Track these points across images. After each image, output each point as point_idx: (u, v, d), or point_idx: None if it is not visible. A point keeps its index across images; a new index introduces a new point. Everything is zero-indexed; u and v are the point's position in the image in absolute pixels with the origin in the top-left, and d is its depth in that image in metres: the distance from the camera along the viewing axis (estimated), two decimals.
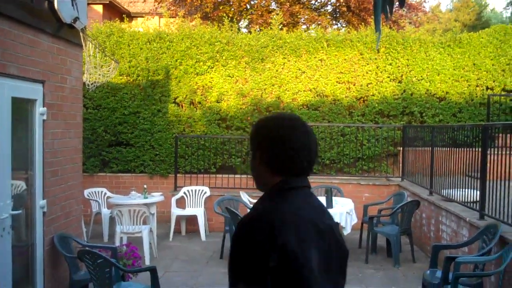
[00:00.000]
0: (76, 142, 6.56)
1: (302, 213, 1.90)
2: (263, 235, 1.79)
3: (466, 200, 7.14)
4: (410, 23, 19.12)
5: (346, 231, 7.99)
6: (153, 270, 5.67)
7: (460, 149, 7.61)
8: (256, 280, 1.80)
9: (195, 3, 16.77)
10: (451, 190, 7.78)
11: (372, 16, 3.06)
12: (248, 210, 8.84)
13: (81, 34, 6.43)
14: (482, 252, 5.57)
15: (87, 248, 5.56)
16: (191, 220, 10.20)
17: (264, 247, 1.77)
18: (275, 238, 1.77)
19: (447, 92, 11.77)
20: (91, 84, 8.02)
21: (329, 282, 1.89)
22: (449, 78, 11.78)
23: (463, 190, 7.33)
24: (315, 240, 1.87)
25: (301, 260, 1.78)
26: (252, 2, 17.35)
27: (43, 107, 5.63)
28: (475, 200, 6.87)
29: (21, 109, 5.40)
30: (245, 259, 1.83)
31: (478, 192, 6.65)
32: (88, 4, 12.84)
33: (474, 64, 11.83)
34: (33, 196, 5.56)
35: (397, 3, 2.85)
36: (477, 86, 11.82)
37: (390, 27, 13.92)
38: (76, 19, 6.11)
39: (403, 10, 18.36)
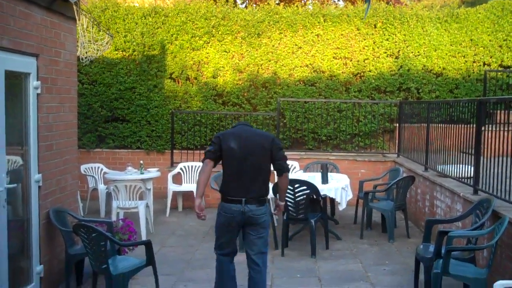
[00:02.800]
0: (71, 116, 6.53)
1: (232, 131, 5.22)
2: (217, 137, 5.16)
3: (460, 175, 7.17)
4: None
5: (342, 207, 8.04)
6: (148, 244, 5.72)
7: (455, 125, 7.62)
8: (212, 147, 5.14)
9: None
10: (446, 166, 7.81)
11: None
12: None
13: (74, 7, 6.37)
14: (475, 227, 5.61)
15: (82, 223, 5.58)
16: (188, 196, 10.24)
17: (216, 140, 5.14)
18: (219, 137, 5.15)
19: (444, 68, 11.74)
20: (86, 58, 7.98)
21: (246, 164, 5.04)
22: (446, 53, 11.74)
23: (458, 166, 7.35)
24: (232, 138, 5.07)
25: (220, 141, 5.10)
26: None
27: (37, 80, 5.60)
28: (469, 176, 6.90)
29: (14, 83, 5.36)
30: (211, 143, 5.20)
31: (473, 168, 6.68)
32: None
33: (471, 40, 11.77)
34: (28, 170, 5.55)
35: None
36: (474, 62, 11.78)
37: (387, 2, 13.84)
38: None
39: None
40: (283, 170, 5.24)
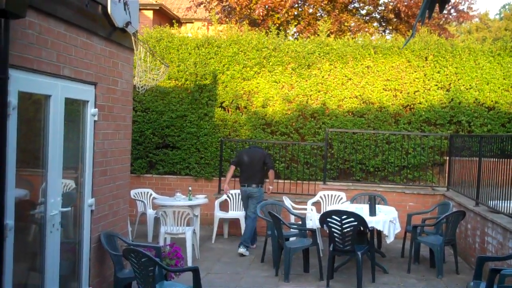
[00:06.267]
0: (126, 143, 6.75)
1: (244, 151, 9.87)
2: (237, 154, 9.94)
3: None
4: (457, 29, 18.70)
5: (389, 239, 7.96)
6: (195, 271, 5.75)
7: (508, 160, 7.46)
8: (235, 158, 9.80)
9: (244, 12, 16.96)
10: (498, 201, 7.63)
11: (420, 23, 3.15)
12: (291, 215, 9.00)
13: (132, 38, 6.62)
14: None
15: (132, 247, 5.70)
16: (234, 223, 10.33)
17: (237, 155, 9.91)
18: (238, 154, 9.85)
19: (496, 102, 11.53)
20: (141, 87, 8.24)
21: (251, 166, 9.39)
22: (499, 87, 11.54)
23: (510, 202, 7.18)
24: (245, 154, 9.54)
25: (238, 156, 9.69)
26: (300, 9, 17.41)
27: (95, 108, 5.83)
28: None
29: (73, 109, 5.57)
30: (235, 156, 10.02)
31: None
32: (139, 10, 13.17)
33: None
34: (82, 195, 5.74)
35: (438, 7, 2.89)
36: None
37: (439, 35, 13.74)
38: (128, 23, 6.30)
39: (447, 15, 17.99)
40: (270, 168, 9.58)
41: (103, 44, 5.93)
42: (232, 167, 9.56)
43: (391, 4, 17.45)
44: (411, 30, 16.27)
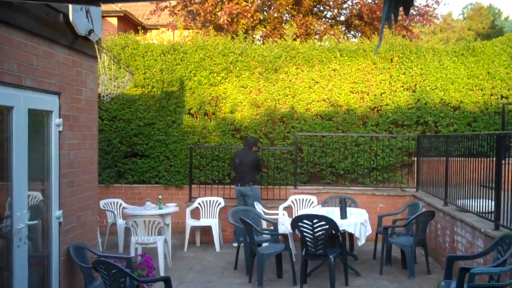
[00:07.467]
0: (92, 153, 6.63)
1: (236, 154, 10.44)
2: (232, 157, 10.57)
3: (481, 210, 7.09)
4: (420, 30, 18.97)
5: (361, 242, 7.98)
6: (167, 281, 5.69)
7: (474, 159, 7.57)
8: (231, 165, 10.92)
9: (209, 18, 16.90)
10: (466, 200, 7.74)
11: (386, 27, 3.15)
12: (263, 221, 8.93)
13: (96, 46, 6.51)
14: (497, 263, 5.53)
15: (102, 259, 5.60)
16: (206, 231, 10.24)
17: (233, 158, 10.50)
18: (232, 157, 10.52)
19: (461, 101, 11.72)
20: (106, 95, 8.12)
21: (242, 167, 10.09)
22: (463, 87, 11.74)
23: (478, 200, 7.28)
24: (237, 157, 10.19)
25: (232, 157, 10.50)
26: (265, 13, 17.43)
27: (59, 118, 5.70)
28: (490, 210, 6.83)
29: (37, 120, 5.45)
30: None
31: (493, 202, 6.61)
32: (103, 16, 12.99)
33: (488, 73, 11.78)
34: (50, 207, 5.61)
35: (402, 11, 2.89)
36: (491, 95, 11.75)
37: (404, 36, 13.91)
38: (91, 31, 6.19)
39: (412, 16, 18.25)
40: (259, 171, 10.54)
41: (65, 53, 5.82)
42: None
43: (356, 8, 17.62)
44: (376, 33, 16.46)
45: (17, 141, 4.88)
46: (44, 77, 5.33)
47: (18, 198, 4.93)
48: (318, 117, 11.82)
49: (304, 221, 7.35)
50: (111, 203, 10.23)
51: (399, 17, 3.65)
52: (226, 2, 16.46)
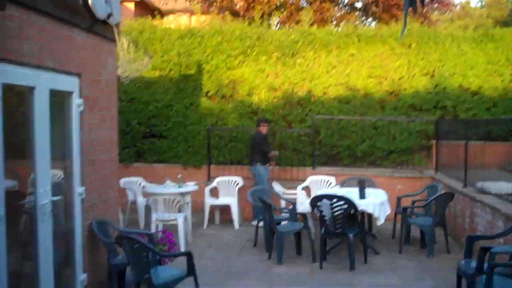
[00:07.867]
0: (112, 132, 6.70)
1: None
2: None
3: (501, 192, 7.11)
4: (438, 18, 18.90)
5: (380, 222, 8.01)
6: (189, 255, 5.74)
7: (494, 142, 7.57)
8: None
9: (225, 4, 16.91)
10: (486, 183, 7.75)
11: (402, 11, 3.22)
12: (281, 200, 8.98)
13: (114, 29, 6.58)
14: None
15: (124, 234, 5.66)
16: (225, 210, 10.31)
17: None
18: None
19: (480, 87, 11.69)
20: (125, 78, 8.20)
21: (250, 148, 10.42)
22: (482, 72, 11.71)
23: (498, 183, 7.29)
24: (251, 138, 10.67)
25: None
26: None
27: (80, 98, 5.78)
28: (510, 193, 6.84)
29: (59, 101, 5.52)
30: None
31: None
32: (120, 1, 13.05)
33: (507, 59, 11.75)
34: (72, 184, 5.70)
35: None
36: (511, 81, 11.71)
37: (422, 23, 13.87)
38: (109, 15, 6.24)
39: (427, 6, 18.14)
40: (263, 151, 10.14)
41: (85, 36, 5.87)
42: None
43: None
44: (395, 18, 16.36)
45: (39, 120, 4.95)
46: (64, 59, 5.40)
47: (42, 175, 5.03)
48: (336, 100, 11.83)
49: (324, 200, 7.40)
50: (131, 181, 10.30)
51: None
52: None
